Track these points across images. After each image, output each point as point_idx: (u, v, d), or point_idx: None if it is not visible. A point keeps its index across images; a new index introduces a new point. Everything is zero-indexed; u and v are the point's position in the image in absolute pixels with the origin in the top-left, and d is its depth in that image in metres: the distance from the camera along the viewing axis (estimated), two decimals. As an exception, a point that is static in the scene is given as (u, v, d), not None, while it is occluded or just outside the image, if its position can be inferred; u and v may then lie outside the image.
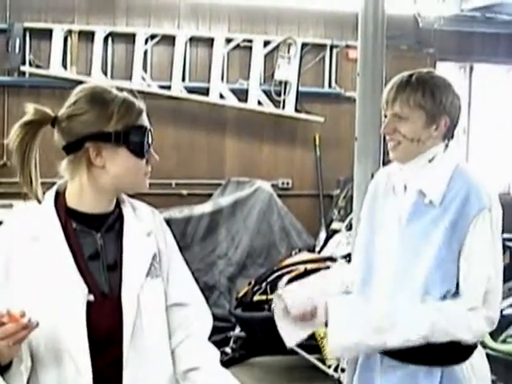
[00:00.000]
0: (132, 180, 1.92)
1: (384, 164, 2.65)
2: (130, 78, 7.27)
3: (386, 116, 2.48)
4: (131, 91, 1.97)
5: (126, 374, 1.88)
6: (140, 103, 1.94)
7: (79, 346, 1.82)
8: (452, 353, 2.40)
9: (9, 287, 1.84)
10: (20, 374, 1.78)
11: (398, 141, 2.43)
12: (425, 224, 2.37)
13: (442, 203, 2.35)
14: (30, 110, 1.89)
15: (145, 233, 1.99)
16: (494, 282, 2.32)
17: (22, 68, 7.13)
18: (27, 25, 7.08)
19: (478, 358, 2.46)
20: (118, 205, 2.00)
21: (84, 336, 1.82)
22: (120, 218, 1.98)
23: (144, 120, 1.93)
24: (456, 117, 2.46)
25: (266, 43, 7.61)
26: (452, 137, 2.48)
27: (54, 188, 1.97)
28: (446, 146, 2.46)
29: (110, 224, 1.95)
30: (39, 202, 1.90)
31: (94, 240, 1.92)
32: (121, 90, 1.96)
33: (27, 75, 7.18)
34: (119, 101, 1.89)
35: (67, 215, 1.91)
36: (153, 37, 7.41)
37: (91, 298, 1.86)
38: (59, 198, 1.94)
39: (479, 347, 2.48)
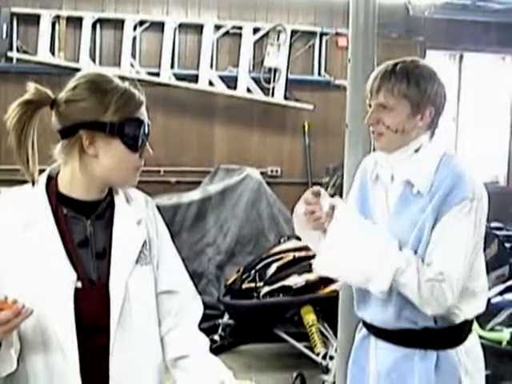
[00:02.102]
0: (122, 173, 1.91)
1: (374, 151, 2.63)
2: (119, 65, 7.23)
3: (370, 106, 2.46)
4: (133, 81, 1.95)
5: (112, 360, 1.88)
6: (140, 95, 1.92)
7: (66, 332, 1.83)
8: (447, 337, 2.43)
9: (2, 272, 1.83)
10: (10, 357, 1.78)
11: (381, 131, 2.43)
12: (413, 213, 2.38)
13: (429, 192, 2.36)
14: (30, 89, 1.87)
15: (135, 221, 1.98)
16: (461, 270, 2.31)
17: (10, 54, 7.08)
18: (15, 10, 7.03)
19: (473, 342, 2.50)
20: (110, 192, 1.99)
21: (71, 322, 1.82)
22: (111, 205, 1.97)
23: (142, 113, 1.92)
24: (441, 106, 2.45)
25: (256, 30, 7.58)
26: (437, 126, 2.47)
27: (46, 172, 1.96)
28: (432, 135, 2.46)
29: (101, 211, 1.95)
30: (33, 183, 1.88)
31: (83, 226, 1.92)
32: (123, 79, 1.94)
33: (14, 61, 7.13)
34: (119, 91, 1.88)
35: (58, 201, 1.91)
36: (141, 23, 7.37)
37: (79, 284, 1.86)
38: (51, 182, 1.94)
39: (473, 332, 2.50)
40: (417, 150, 2.42)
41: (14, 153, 1.86)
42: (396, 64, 2.43)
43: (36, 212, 1.88)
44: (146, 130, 1.92)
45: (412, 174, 2.40)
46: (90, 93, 1.86)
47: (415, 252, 2.34)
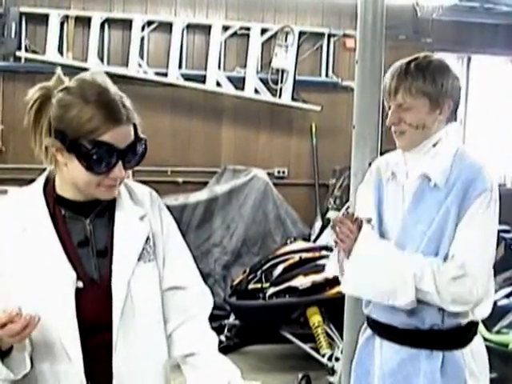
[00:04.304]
0: (84, 188, 1.85)
1: (381, 152, 2.65)
2: (127, 65, 7.23)
3: (389, 108, 2.49)
4: (122, 101, 1.83)
5: (115, 359, 1.87)
6: (123, 116, 1.80)
7: (69, 332, 1.83)
8: (453, 337, 2.44)
9: (3, 276, 1.84)
10: (23, 359, 1.78)
11: (403, 130, 2.45)
12: (429, 207, 2.40)
13: (446, 185, 2.38)
14: (55, 76, 1.89)
15: (138, 216, 1.96)
16: (484, 261, 2.36)
17: (18, 53, 7.09)
18: (23, 9, 7.04)
19: (478, 344, 2.51)
20: None
21: (74, 323, 1.82)
22: (112, 202, 1.95)
23: (115, 136, 1.79)
24: (458, 98, 2.49)
25: (264, 31, 7.57)
26: (455, 119, 2.50)
27: (45, 174, 1.95)
28: (447, 129, 2.48)
29: (100, 210, 1.93)
30: (51, 162, 1.88)
31: (83, 226, 1.91)
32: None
33: (23, 60, 7.14)
34: (96, 107, 1.78)
35: (56, 202, 1.90)
36: (150, 23, 7.37)
37: (80, 284, 1.85)
38: (48, 184, 1.93)
39: (479, 334, 2.51)
40: (434, 145, 2.45)
41: (30, 135, 1.87)
42: (409, 62, 2.45)
43: (34, 214, 1.87)
44: (115, 155, 1.80)
45: (428, 167, 2.42)
46: (72, 100, 1.80)
47: (437, 247, 2.37)
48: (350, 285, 2.52)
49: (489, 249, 2.38)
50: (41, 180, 1.93)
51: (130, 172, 1.91)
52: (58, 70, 1.91)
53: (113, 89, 1.84)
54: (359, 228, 2.45)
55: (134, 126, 1.85)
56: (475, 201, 2.33)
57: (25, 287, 1.81)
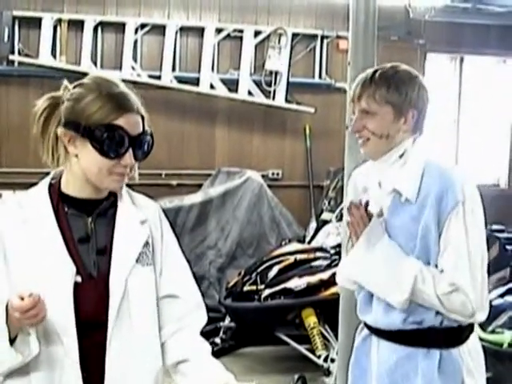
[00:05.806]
0: (96, 176, 1.91)
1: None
2: (120, 68, 7.24)
3: (354, 113, 2.49)
4: (131, 88, 1.95)
5: (108, 356, 1.90)
6: (130, 104, 1.90)
7: (66, 326, 1.85)
8: (451, 336, 2.45)
9: (8, 269, 1.87)
10: (28, 344, 1.81)
11: (367, 137, 2.45)
12: (404, 221, 2.41)
13: (418, 200, 2.38)
14: (62, 86, 1.96)
15: (139, 220, 2.01)
16: (472, 274, 2.35)
17: (11, 57, 7.07)
18: (16, 13, 7.03)
19: (474, 342, 2.52)
20: (115, 192, 2.01)
21: (71, 316, 1.85)
22: (115, 205, 2.00)
23: (127, 122, 1.88)
24: (424, 109, 2.48)
25: (257, 33, 7.58)
26: (422, 130, 2.49)
27: (51, 174, 2.01)
28: (414, 140, 2.47)
29: (103, 210, 1.98)
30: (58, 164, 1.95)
31: (84, 223, 1.95)
32: (128, 82, 1.97)
33: (16, 64, 7.12)
34: (108, 99, 1.87)
35: (60, 199, 1.95)
36: (143, 26, 7.38)
37: (78, 279, 1.89)
38: (54, 183, 1.98)
39: (475, 332, 2.52)
40: (401, 156, 2.45)
41: (39, 142, 1.95)
42: (375, 71, 2.47)
43: (37, 210, 1.92)
44: (127, 140, 1.88)
45: (398, 182, 2.42)
46: (80, 95, 1.89)
47: (427, 263, 2.38)
48: (350, 268, 2.53)
49: (476, 260, 2.35)
50: (46, 180, 1.99)
51: (136, 175, 1.98)
52: (65, 82, 1.97)
53: (123, 85, 1.95)
54: (370, 219, 2.46)
55: (142, 119, 1.95)
56: (450, 215, 2.33)
57: (25, 279, 1.84)
